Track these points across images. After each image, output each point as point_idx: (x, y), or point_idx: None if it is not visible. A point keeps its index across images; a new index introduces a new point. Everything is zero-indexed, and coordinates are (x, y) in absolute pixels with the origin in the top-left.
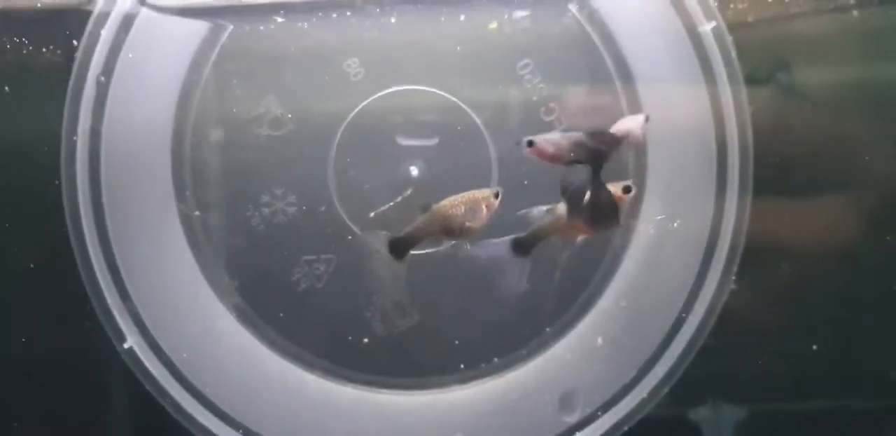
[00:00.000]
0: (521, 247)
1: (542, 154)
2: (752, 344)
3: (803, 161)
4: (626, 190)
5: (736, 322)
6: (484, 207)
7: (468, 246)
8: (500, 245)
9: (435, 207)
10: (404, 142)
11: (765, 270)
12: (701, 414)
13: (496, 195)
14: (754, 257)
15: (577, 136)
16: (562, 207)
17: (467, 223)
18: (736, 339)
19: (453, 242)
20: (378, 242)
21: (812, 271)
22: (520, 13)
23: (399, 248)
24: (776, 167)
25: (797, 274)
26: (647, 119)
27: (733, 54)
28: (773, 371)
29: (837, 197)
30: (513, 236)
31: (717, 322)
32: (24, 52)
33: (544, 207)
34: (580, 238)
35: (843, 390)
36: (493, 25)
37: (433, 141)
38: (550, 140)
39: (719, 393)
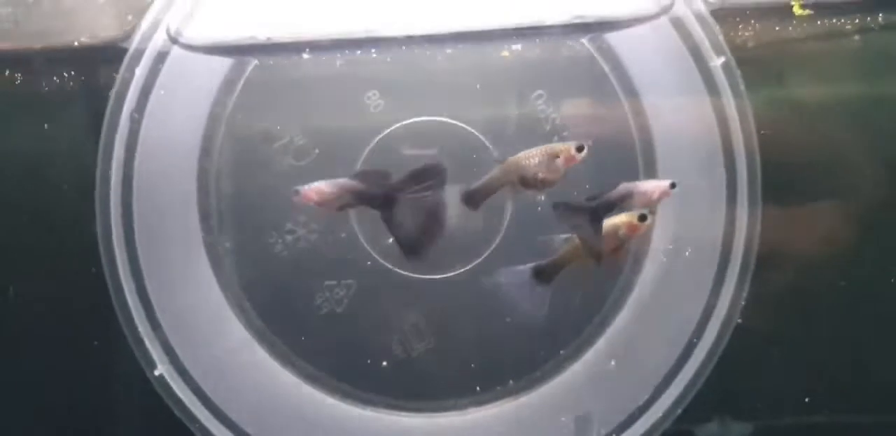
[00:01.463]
0: (543, 274)
1: (309, 201)
2: (759, 361)
3: (808, 174)
4: (642, 218)
5: (742, 339)
6: (561, 159)
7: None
8: (522, 272)
9: (510, 158)
10: (408, 152)
11: (770, 286)
12: (708, 430)
13: (579, 149)
14: (759, 274)
15: (344, 181)
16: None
17: (541, 174)
18: (742, 356)
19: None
20: (453, 194)
21: (818, 288)
22: (516, 46)
23: (474, 198)
24: (782, 182)
25: (803, 291)
26: (672, 186)
27: (742, 87)
28: (780, 388)
29: (839, 211)
30: (534, 264)
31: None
32: (62, 89)
33: (563, 236)
34: (598, 266)
35: (848, 405)
36: (506, 53)
37: (433, 150)
38: (315, 188)
39: (726, 409)
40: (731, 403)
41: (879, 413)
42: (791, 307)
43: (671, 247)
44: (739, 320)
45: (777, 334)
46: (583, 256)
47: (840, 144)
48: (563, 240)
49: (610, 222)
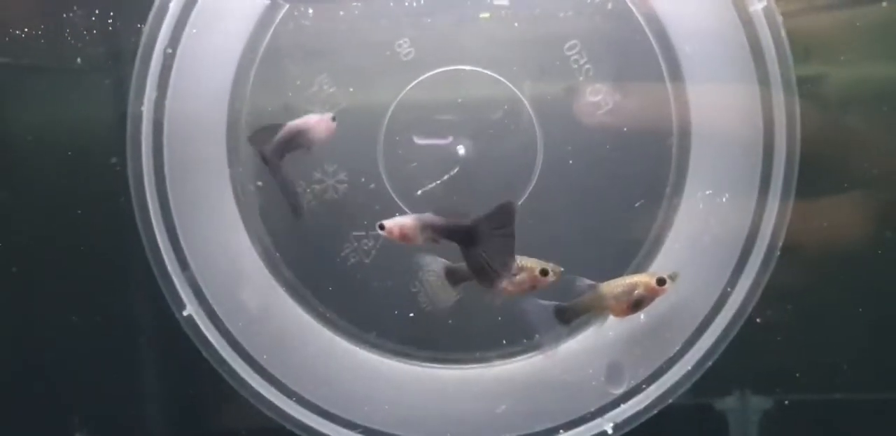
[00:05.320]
0: (563, 315)
1: (391, 236)
2: (779, 335)
3: (834, 163)
4: (661, 282)
5: (763, 314)
6: (527, 277)
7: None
8: (545, 308)
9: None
10: (420, 141)
11: (795, 263)
12: (728, 404)
13: (546, 272)
14: (786, 253)
15: (426, 216)
16: (604, 287)
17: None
18: (763, 330)
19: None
20: (436, 266)
21: (841, 266)
22: (499, 2)
23: (454, 275)
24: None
25: (826, 268)
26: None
27: (783, 33)
28: (800, 362)
29: (868, 195)
30: (556, 303)
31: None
32: (94, 25)
33: (588, 282)
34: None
35: (869, 381)
36: (486, 15)
37: (447, 140)
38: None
39: (746, 383)
40: (751, 377)
41: None
42: (813, 283)
43: (709, 193)
44: (761, 298)
45: (799, 308)
46: (603, 308)
47: (871, 130)
48: (587, 286)
49: (628, 281)
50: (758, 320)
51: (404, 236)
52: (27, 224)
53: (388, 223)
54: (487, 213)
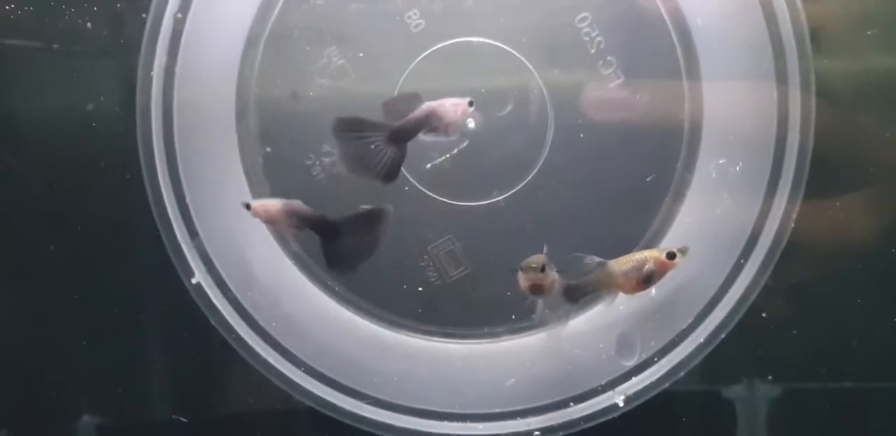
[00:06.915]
0: (571, 294)
1: (257, 216)
2: (788, 324)
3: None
4: (671, 256)
5: (772, 302)
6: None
7: None
8: None
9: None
10: (426, 139)
11: (803, 254)
12: (735, 392)
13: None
14: (795, 244)
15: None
16: (613, 264)
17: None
18: (771, 318)
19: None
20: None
21: (852, 257)
22: None
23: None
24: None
25: (835, 257)
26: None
27: (799, 4)
28: (808, 350)
29: (881, 192)
30: (564, 282)
31: (751, 303)
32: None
33: (597, 260)
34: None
35: (877, 370)
36: None
37: (453, 137)
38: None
39: (754, 371)
40: (759, 365)
41: None
42: (823, 272)
43: (722, 162)
44: (770, 286)
45: (807, 297)
46: (612, 285)
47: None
48: (596, 264)
49: (637, 256)
50: (763, 315)
51: (270, 218)
52: (37, 193)
53: (254, 204)
54: (355, 214)
